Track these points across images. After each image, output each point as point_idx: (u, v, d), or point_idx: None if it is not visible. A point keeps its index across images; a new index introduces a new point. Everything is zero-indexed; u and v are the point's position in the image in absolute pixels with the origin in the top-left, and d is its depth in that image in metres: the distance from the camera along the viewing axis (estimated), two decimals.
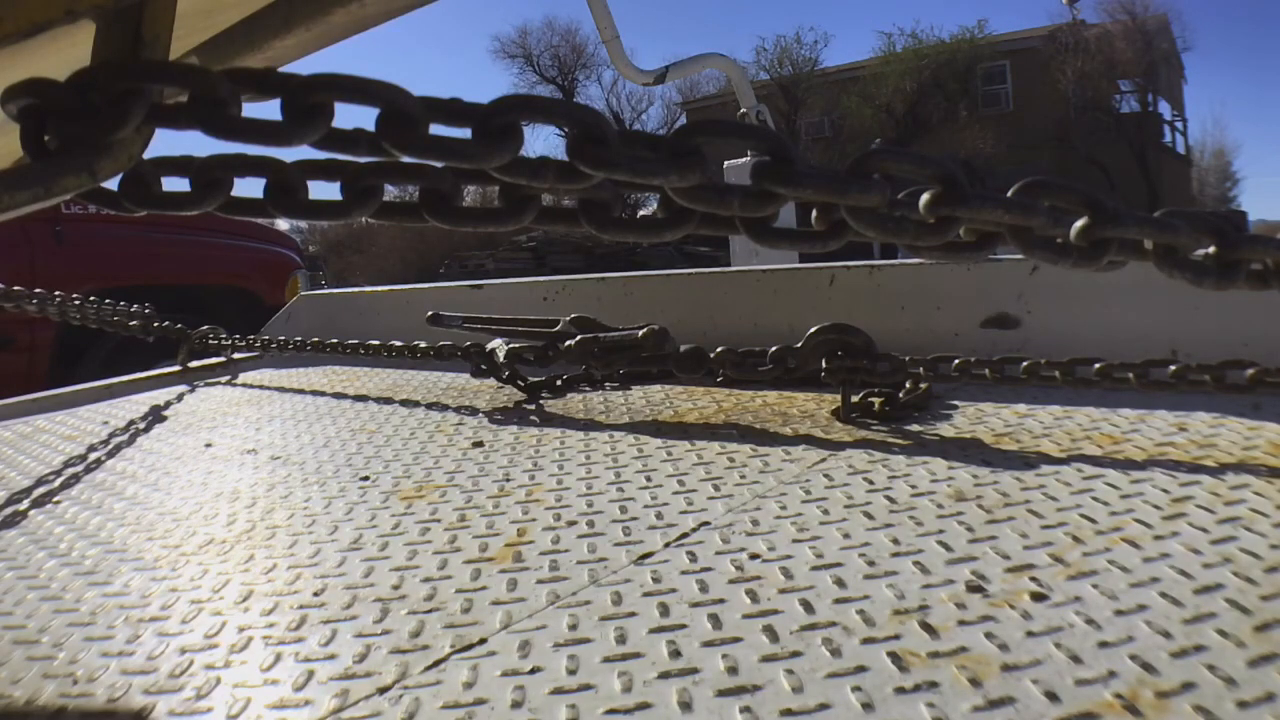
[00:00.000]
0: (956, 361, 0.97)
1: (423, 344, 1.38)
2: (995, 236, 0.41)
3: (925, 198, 0.39)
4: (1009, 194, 0.38)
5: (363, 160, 0.45)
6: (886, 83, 19.80)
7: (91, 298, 1.73)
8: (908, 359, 1.00)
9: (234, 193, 0.48)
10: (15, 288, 1.67)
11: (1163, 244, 0.37)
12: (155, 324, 1.76)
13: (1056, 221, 0.38)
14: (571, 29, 24.77)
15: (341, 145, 0.42)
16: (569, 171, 0.43)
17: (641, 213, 0.55)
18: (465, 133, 0.42)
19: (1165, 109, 22.28)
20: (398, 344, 1.42)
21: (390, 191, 0.57)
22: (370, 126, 0.44)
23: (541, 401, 1.24)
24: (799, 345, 1.05)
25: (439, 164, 0.43)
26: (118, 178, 0.45)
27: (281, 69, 0.83)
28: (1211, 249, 0.37)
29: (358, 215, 0.47)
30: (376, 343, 1.47)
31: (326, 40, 0.77)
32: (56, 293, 1.70)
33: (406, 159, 0.44)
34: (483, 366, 1.27)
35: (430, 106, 0.41)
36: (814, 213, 0.44)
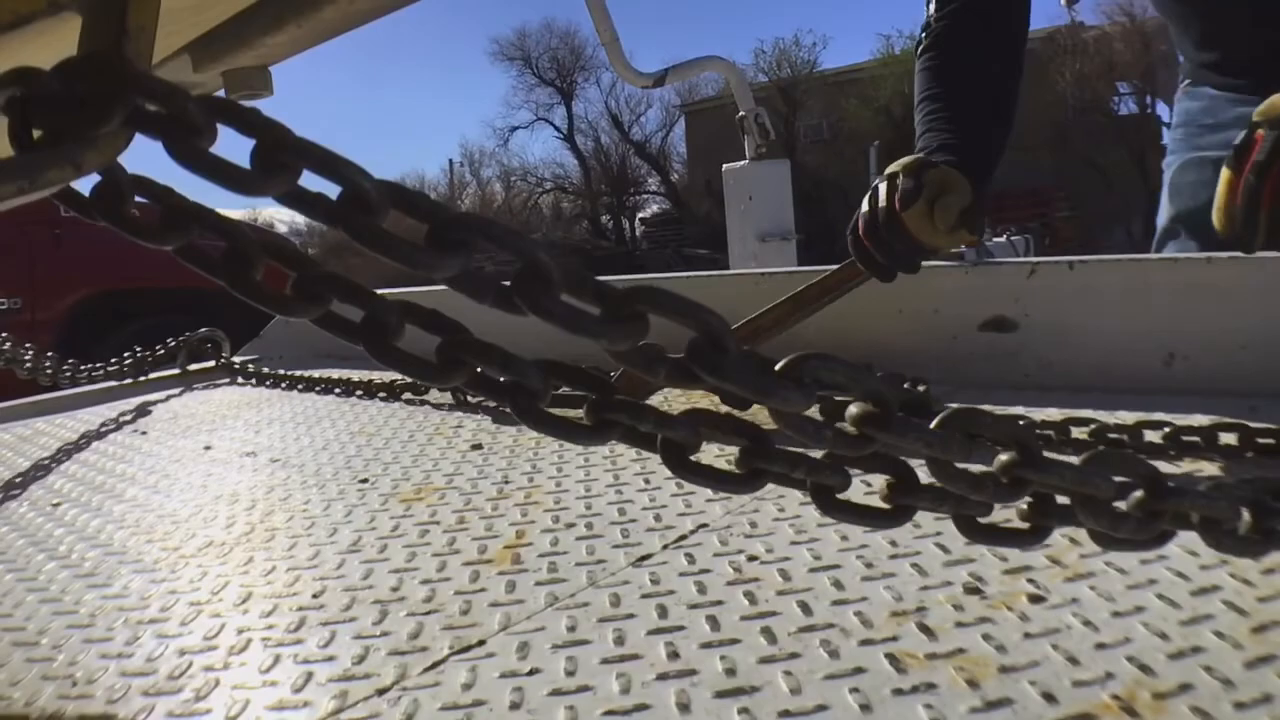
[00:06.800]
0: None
1: (397, 382, 1.37)
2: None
3: (851, 411, 0.39)
4: (932, 426, 0.37)
5: (317, 273, 0.43)
6: (885, 85, 19.76)
7: (70, 359, 1.68)
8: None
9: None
10: None
11: (1081, 494, 0.38)
12: (148, 358, 1.73)
13: (980, 458, 0.38)
14: (570, 31, 24.81)
15: (301, 205, 0.41)
16: (507, 298, 0.40)
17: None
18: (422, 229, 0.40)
19: (1164, 111, 22.30)
20: (376, 381, 1.41)
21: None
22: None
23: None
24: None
25: (385, 259, 0.41)
26: (93, 187, 0.43)
27: (271, 68, 0.83)
28: (1139, 495, 0.38)
29: (297, 315, 0.44)
30: (354, 379, 1.46)
31: (318, 37, 0.76)
32: (28, 345, 1.65)
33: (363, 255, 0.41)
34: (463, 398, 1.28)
35: (390, 195, 0.39)
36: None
